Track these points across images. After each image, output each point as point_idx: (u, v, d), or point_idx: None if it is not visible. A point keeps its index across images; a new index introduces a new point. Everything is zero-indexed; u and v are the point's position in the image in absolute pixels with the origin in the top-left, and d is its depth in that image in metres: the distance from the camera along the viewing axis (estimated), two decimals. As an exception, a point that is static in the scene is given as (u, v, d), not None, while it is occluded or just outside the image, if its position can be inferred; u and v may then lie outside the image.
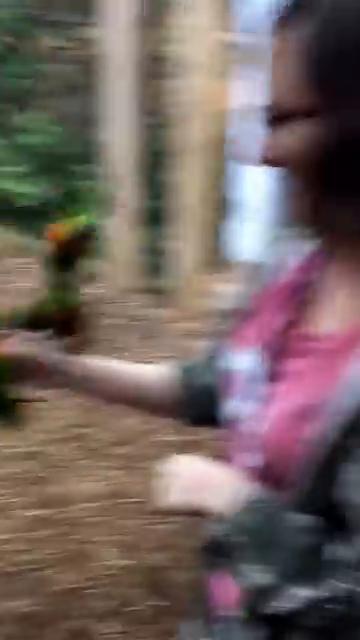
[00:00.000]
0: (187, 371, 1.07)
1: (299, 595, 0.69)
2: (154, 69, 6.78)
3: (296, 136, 0.70)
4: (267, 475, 0.79)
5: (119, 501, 2.76)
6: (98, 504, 2.75)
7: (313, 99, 0.68)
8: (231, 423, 0.90)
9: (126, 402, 1.09)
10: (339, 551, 0.70)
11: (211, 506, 0.76)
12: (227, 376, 0.91)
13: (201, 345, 1.09)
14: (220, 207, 4.85)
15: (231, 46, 4.21)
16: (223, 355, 0.95)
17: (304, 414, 0.74)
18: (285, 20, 0.70)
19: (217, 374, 0.98)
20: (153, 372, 1.08)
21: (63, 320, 1.02)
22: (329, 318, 0.81)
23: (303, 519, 0.73)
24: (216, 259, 5.16)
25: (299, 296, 0.86)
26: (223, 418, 0.92)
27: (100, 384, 1.05)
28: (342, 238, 0.76)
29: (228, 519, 0.74)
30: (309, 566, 0.70)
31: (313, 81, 0.67)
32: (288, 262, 0.90)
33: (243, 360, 0.89)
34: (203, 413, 1.04)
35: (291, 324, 0.85)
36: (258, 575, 0.71)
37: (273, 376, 0.83)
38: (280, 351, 0.84)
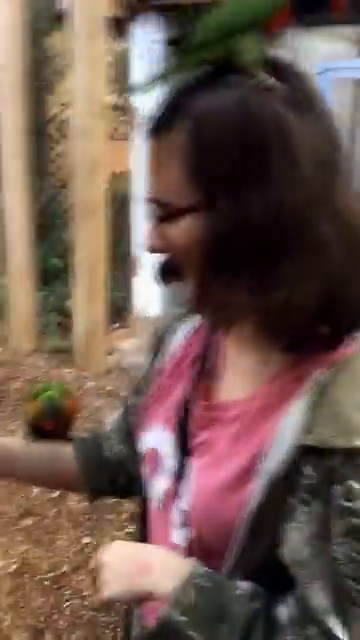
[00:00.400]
0: (85, 443, 1.08)
1: None
2: (47, 132, 6.82)
3: (181, 230, 0.72)
4: (199, 548, 0.79)
5: (27, 579, 2.60)
6: (6, 583, 2.58)
7: (194, 197, 0.70)
8: (151, 501, 0.89)
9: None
10: (282, 613, 0.71)
11: (155, 589, 0.74)
12: (143, 455, 0.91)
13: (108, 414, 1.08)
14: (123, 264, 4.87)
15: (124, 109, 4.29)
16: (135, 434, 0.95)
17: (230, 483, 0.75)
18: (161, 124, 0.72)
19: (122, 447, 1.01)
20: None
21: None
22: (233, 387, 0.82)
23: (245, 586, 0.73)
24: (119, 316, 5.14)
25: (197, 368, 0.87)
26: (144, 495, 0.92)
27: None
28: (236, 315, 0.76)
29: (175, 599, 0.72)
30: (257, 633, 0.70)
31: (192, 180, 0.70)
32: (179, 334, 0.93)
33: (154, 438, 0.89)
34: (101, 485, 1.05)
35: (194, 396, 0.86)
36: None
37: (185, 450, 0.83)
38: (188, 424, 0.84)
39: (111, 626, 2.33)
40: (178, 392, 0.88)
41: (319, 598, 0.69)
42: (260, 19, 0.71)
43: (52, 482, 1.15)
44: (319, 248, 0.69)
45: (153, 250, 0.77)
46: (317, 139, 0.68)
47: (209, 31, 0.72)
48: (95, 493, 1.07)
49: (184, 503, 0.81)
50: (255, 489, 0.72)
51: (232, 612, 0.71)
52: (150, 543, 0.89)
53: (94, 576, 0.78)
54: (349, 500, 0.68)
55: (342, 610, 0.68)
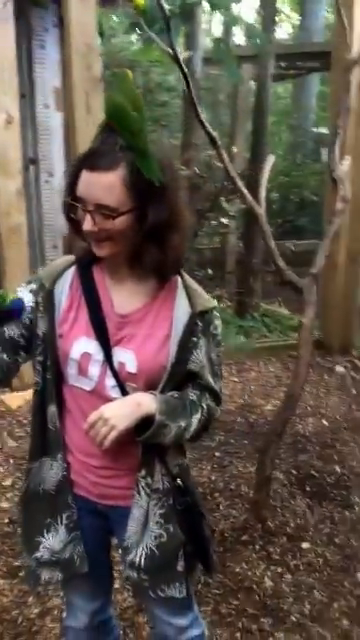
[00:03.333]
0: None
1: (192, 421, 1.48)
2: None
3: (117, 223, 1.37)
4: (146, 388, 1.46)
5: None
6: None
7: (130, 204, 1.37)
8: (80, 390, 1.51)
9: None
10: (195, 395, 1.50)
11: (148, 411, 1.40)
12: (74, 359, 1.48)
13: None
14: None
15: None
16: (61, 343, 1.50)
17: (159, 347, 1.45)
18: (106, 164, 1.34)
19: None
20: None
21: None
22: (124, 304, 1.48)
23: (176, 393, 1.48)
24: None
25: (92, 297, 1.49)
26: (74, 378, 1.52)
27: None
28: (139, 263, 1.46)
29: (159, 410, 1.40)
30: (185, 409, 1.47)
31: (130, 194, 1.36)
32: (64, 285, 1.52)
33: (82, 346, 1.47)
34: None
35: (101, 311, 1.48)
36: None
37: (109, 345, 1.46)
38: (106, 330, 1.46)
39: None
40: (84, 317, 1.48)
41: (209, 379, 1.50)
42: None
43: None
44: (181, 230, 1.43)
45: (97, 236, 1.40)
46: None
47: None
48: None
49: (128, 369, 1.44)
50: (173, 343, 1.45)
51: (180, 404, 1.46)
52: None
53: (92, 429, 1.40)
54: (215, 329, 1.51)
55: (216, 380, 1.53)
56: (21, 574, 2.66)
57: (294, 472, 3.45)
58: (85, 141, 4.05)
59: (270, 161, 3.24)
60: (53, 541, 1.59)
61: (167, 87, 8.42)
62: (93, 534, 1.63)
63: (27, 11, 4.21)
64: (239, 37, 10.41)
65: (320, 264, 2.93)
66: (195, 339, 1.46)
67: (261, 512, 2.97)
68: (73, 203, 1.40)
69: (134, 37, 8.31)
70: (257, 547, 2.84)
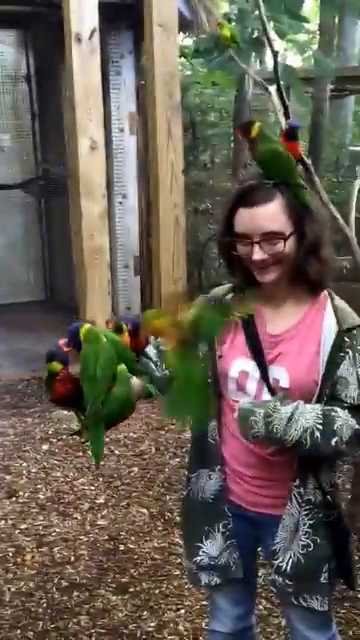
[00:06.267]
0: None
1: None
2: None
3: (282, 246, 1.50)
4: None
5: None
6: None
7: (291, 227, 1.51)
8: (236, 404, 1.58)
9: None
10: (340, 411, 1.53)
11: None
12: (233, 377, 1.61)
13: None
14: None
15: None
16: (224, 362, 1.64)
17: (310, 363, 1.54)
18: (265, 194, 1.51)
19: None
20: None
21: None
22: (278, 325, 1.60)
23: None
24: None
25: (248, 321, 1.60)
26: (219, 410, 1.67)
27: None
28: (297, 281, 1.58)
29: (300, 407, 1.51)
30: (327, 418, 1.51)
31: (290, 218, 1.51)
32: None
33: (240, 365, 1.60)
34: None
35: (256, 334, 1.60)
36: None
37: (264, 364, 1.57)
38: (261, 350, 1.58)
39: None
40: (241, 339, 1.60)
41: (354, 394, 1.54)
42: None
43: None
44: (329, 243, 1.57)
45: (263, 262, 1.52)
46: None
47: None
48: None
49: (282, 384, 1.54)
50: (323, 359, 1.54)
51: (322, 414, 1.51)
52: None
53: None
54: None
55: None
56: (131, 590, 2.73)
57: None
58: (164, 165, 4.17)
59: (357, 185, 3.30)
60: (211, 547, 1.71)
61: (219, 108, 8.55)
62: (244, 540, 1.72)
63: (104, 38, 4.36)
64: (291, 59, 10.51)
65: None
66: (342, 354, 1.54)
67: (356, 524, 3.00)
68: (235, 240, 1.55)
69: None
70: (356, 558, 2.87)
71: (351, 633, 2.45)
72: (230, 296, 1.66)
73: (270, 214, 1.50)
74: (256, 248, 1.50)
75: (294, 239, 1.52)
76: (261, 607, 2.57)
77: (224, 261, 1.65)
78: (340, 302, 1.62)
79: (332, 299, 1.61)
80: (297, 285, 1.59)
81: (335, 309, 1.58)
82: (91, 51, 3.92)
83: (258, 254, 1.51)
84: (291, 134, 1.62)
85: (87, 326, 1.59)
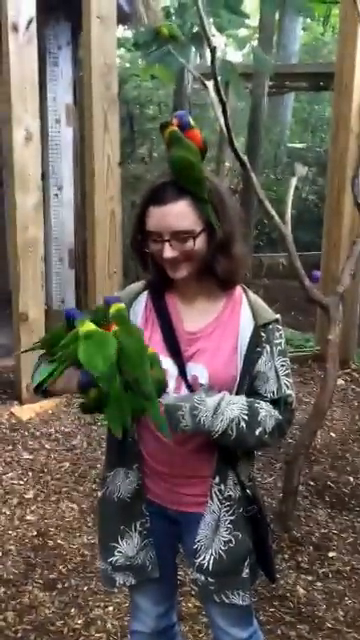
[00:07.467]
0: None
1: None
2: None
3: (192, 244, 1.51)
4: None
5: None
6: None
7: (201, 225, 1.52)
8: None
9: None
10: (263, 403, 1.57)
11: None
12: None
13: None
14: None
15: None
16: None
17: (228, 359, 1.57)
18: (175, 193, 1.50)
19: None
20: None
21: None
22: (196, 321, 1.61)
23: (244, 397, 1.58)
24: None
25: (165, 318, 1.62)
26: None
27: None
28: (209, 277, 1.58)
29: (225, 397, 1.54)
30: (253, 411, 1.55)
31: (199, 216, 1.51)
32: (141, 304, 1.65)
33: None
34: None
35: (173, 331, 1.60)
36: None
37: (182, 360, 1.58)
38: (179, 347, 1.59)
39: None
40: (158, 336, 1.60)
41: (272, 387, 1.58)
42: None
43: None
44: (241, 240, 1.58)
45: (174, 260, 1.52)
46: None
47: None
48: None
49: (201, 381, 1.55)
50: (240, 354, 1.57)
51: (246, 405, 1.54)
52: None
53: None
54: (278, 339, 1.61)
55: (282, 387, 1.59)
56: (59, 586, 2.72)
57: (312, 483, 3.55)
58: (100, 157, 4.14)
59: (294, 182, 3.36)
60: (127, 547, 1.69)
61: (158, 102, 8.54)
62: (163, 539, 1.72)
63: (42, 30, 4.28)
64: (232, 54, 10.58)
65: (346, 283, 3.06)
66: (260, 349, 1.58)
67: (287, 522, 3.07)
68: (146, 237, 1.55)
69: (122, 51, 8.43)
70: (286, 556, 2.94)
71: (279, 632, 2.50)
72: (145, 293, 1.67)
73: (180, 212, 1.50)
74: (166, 246, 1.52)
75: (204, 236, 1.53)
76: (190, 605, 2.60)
77: (137, 258, 1.64)
78: (256, 298, 1.65)
79: (247, 295, 1.64)
80: (207, 281, 1.60)
81: (251, 305, 1.61)
82: (28, 41, 3.84)
83: (168, 252, 1.52)
84: (183, 124, 1.57)
85: (121, 305, 1.47)
